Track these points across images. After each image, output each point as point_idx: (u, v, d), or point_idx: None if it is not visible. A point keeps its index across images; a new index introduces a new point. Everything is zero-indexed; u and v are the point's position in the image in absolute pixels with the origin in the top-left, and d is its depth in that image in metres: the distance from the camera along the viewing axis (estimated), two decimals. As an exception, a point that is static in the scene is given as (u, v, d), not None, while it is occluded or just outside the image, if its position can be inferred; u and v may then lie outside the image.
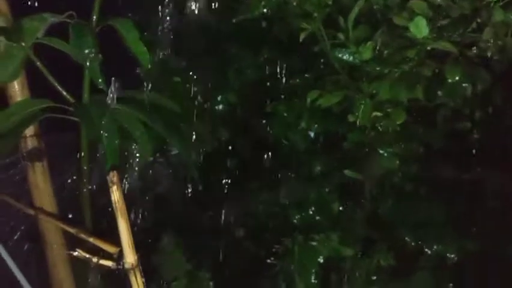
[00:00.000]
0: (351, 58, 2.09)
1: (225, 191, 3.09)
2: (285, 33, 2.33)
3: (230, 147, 3.12)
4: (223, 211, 3.05)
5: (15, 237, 2.08)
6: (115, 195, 1.21)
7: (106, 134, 1.62)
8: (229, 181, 3.10)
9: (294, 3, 2.03)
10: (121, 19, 1.80)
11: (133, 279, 1.18)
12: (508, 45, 1.85)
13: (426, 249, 2.59)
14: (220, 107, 3.04)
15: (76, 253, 1.29)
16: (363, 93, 2.09)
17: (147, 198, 2.83)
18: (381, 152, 2.38)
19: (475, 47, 1.97)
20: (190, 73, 2.95)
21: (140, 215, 2.74)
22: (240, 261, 2.87)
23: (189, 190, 3.10)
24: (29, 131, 1.92)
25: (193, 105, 3.09)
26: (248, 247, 2.91)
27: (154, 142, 1.90)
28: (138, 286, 1.17)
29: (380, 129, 2.31)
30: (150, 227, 2.74)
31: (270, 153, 2.91)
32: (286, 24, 2.22)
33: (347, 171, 2.62)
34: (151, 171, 2.88)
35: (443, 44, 1.95)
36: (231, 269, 2.85)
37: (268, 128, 2.86)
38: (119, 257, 1.19)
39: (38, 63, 1.78)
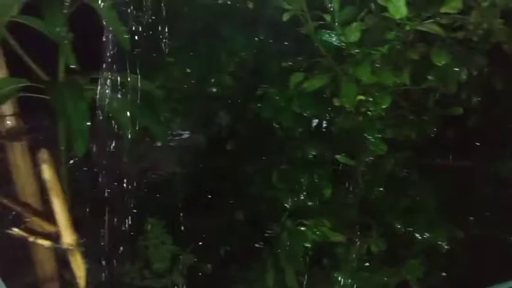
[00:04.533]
0: (336, 40, 2.03)
1: (218, 174, 3.07)
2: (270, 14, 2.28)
3: (224, 131, 3.09)
4: (216, 194, 3.04)
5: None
6: (47, 173, 1.17)
7: (76, 114, 1.59)
8: (223, 164, 3.08)
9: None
10: (98, -3, 1.76)
11: (72, 259, 1.15)
12: (495, 28, 1.79)
13: (417, 236, 2.55)
14: (214, 89, 3.01)
15: (12, 231, 1.26)
16: (348, 76, 2.04)
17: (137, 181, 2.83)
18: (368, 137, 2.33)
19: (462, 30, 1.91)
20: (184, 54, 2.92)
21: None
22: (229, 244, 2.86)
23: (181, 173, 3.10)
24: (8, 110, 1.91)
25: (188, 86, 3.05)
26: (239, 231, 2.90)
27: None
28: (78, 267, 1.15)
29: (370, 114, 2.26)
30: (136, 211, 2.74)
31: (264, 138, 2.87)
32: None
33: (338, 157, 2.58)
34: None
35: (429, 26, 1.89)
36: (219, 252, 2.85)
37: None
38: (58, 237, 1.17)
39: (12, 41, 1.76)
